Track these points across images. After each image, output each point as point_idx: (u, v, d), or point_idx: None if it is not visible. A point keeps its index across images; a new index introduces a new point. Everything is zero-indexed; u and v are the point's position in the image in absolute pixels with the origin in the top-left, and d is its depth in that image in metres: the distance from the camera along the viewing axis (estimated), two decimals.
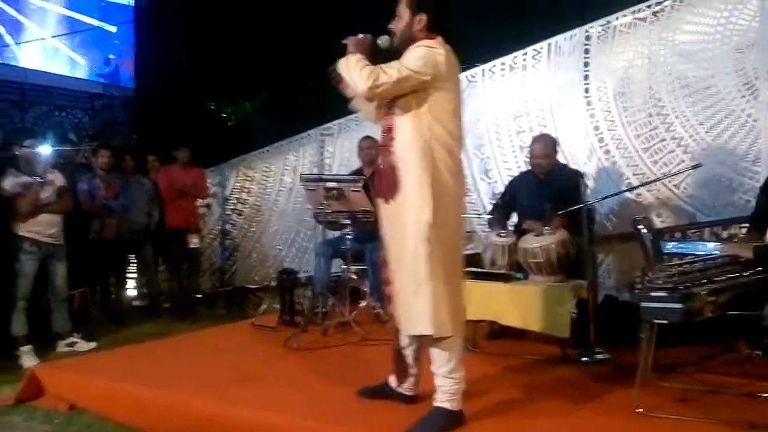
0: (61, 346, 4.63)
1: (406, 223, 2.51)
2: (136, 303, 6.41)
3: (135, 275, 6.40)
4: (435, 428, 2.51)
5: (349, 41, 2.61)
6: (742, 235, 3.93)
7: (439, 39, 2.59)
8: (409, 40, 2.60)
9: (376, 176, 2.69)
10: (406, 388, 2.86)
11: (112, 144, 6.81)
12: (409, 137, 2.52)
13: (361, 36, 2.62)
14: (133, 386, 3.24)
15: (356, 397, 2.95)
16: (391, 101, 2.58)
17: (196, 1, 8.46)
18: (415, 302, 2.50)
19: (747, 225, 3.79)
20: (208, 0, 8.19)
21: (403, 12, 2.61)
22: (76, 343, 4.68)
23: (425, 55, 2.49)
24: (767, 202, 3.55)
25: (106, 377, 3.44)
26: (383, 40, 2.67)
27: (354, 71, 2.51)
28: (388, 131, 2.60)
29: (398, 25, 2.63)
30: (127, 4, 9.96)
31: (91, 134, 8.95)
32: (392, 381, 2.89)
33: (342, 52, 2.62)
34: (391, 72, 2.47)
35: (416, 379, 2.84)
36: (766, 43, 4.01)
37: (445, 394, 2.56)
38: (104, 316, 5.69)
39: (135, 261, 6.24)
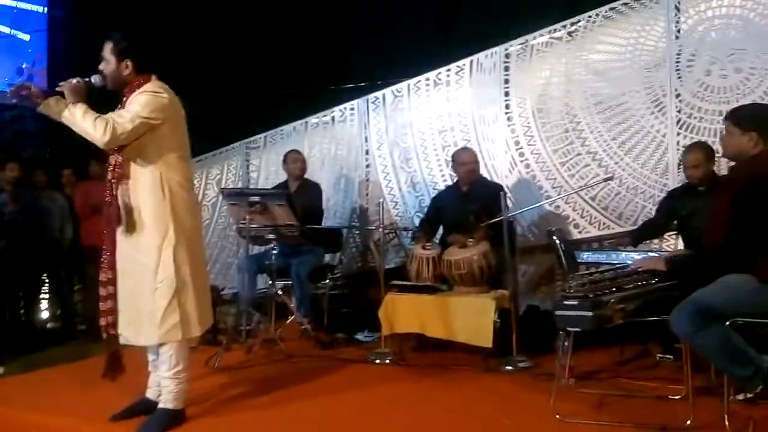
0: None
1: (148, 244, 2.70)
2: (49, 325, 6.06)
3: (48, 296, 6.06)
4: (156, 429, 2.70)
5: (65, 88, 2.68)
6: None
7: (153, 79, 2.77)
8: (121, 83, 2.77)
9: (107, 208, 2.79)
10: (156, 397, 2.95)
11: (21, 157, 6.43)
12: (145, 170, 2.71)
13: (74, 81, 2.70)
14: (42, 415, 3.06)
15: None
16: None
17: (114, 9, 8.17)
18: (150, 315, 2.70)
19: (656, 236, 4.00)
20: (125, 8, 7.91)
21: (109, 57, 2.77)
22: None
23: (152, 101, 2.67)
24: (662, 217, 3.74)
25: (12, 406, 3.24)
26: (96, 79, 2.77)
27: (86, 124, 2.62)
28: (120, 167, 2.73)
29: (107, 69, 2.79)
30: (41, 11, 9.50)
31: None
32: (149, 394, 2.97)
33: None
34: (124, 123, 2.62)
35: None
36: (672, 63, 4.24)
37: (170, 395, 2.77)
38: (13, 339, 5.34)
39: (48, 281, 5.92)
